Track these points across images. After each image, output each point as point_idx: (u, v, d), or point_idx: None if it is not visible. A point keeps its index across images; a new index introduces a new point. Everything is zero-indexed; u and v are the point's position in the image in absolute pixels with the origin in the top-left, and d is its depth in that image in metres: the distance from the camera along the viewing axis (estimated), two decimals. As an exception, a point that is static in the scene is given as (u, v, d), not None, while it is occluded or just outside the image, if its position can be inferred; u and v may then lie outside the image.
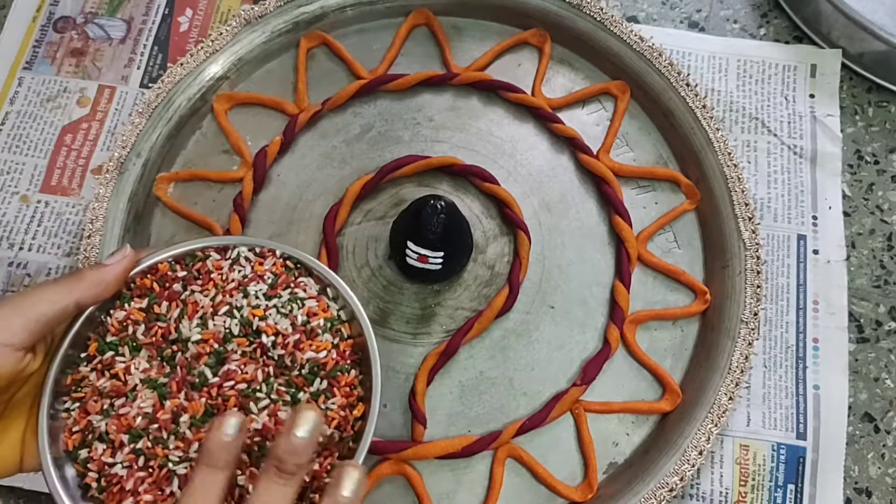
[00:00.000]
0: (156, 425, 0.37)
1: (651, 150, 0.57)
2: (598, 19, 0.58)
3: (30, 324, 0.35)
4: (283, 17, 0.59)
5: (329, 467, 0.38)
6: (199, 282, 0.40)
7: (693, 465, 0.48)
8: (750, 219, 0.53)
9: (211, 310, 0.39)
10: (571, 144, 0.57)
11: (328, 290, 0.42)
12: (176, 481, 0.36)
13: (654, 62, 0.57)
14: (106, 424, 0.37)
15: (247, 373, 0.38)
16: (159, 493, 0.36)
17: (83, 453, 0.37)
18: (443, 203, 0.48)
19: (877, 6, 0.58)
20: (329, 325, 0.40)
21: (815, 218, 0.56)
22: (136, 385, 0.38)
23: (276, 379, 0.38)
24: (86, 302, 0.38)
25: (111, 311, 0.40)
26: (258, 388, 0.38)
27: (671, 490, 0.48)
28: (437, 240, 0.49)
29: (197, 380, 0.38)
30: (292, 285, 0.41)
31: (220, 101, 0.57)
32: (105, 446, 0.37)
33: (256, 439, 0.36)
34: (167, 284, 0.40)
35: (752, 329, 0.51)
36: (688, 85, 0.56)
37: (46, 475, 0.37)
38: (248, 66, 0.59)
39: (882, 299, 0.55)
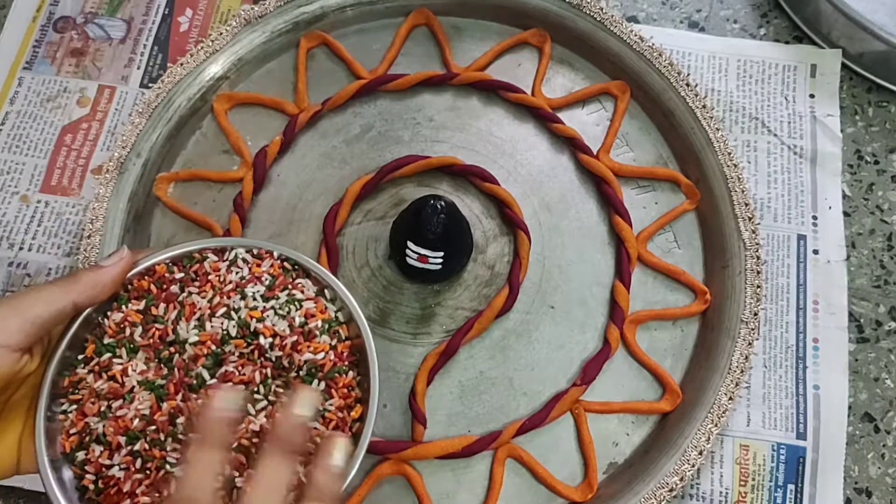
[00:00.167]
0: (153, 427, 0.37)
1: (651, 150, 0.57)
2: (598, 19, 0.58)
3: (27, 325, 0.35)
4: (283, 17, 0.59)
5: None
6: (197, 283, 0.40)
7: (693, 465, 0.48)
8: (750, 219, 0.53)
9: (208, 311, 0.39)
10: (571, 144, 0.57)
11: (326, 291, 0.42)
12: (173, 483, 0.36)
13: (654, 62, 0.57)
14: (103, 426, 0.37)
15: (244, 374, 0.38)
16: (157, 495, 0.36)
17: (80, 455, 0.37)
18: (443, 203, 0.48)
19: (877, 6, 0.58)
20: (327, 326, 0.40)
21: (815, 218, 0.56)
22: (133, 387, 0.38)
23: (274, 380, 0.38)
24: (83, 303, 0.38)
25: (108, 313, 0.40)
26: (256, 389, 0.38)
27: (671, 490, 0.48)
28: (437, 240, 0.49)
29: (194, 381, 0.38)
30: (290, 287, 0.41)
31: (220, 101, 0.57)
32: (102, 448, 0.37)
33: (255, 440, 0.36)
34: (164, 286, 0.40)
35: (752, 329, 0.51)
36: (688, 85, 0.56)
37: (44, 477, 0.37)
38: (248, 66, 0.59)
39: (882, 299, 0.55)
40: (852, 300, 0.55)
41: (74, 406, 0.38)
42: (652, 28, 0.62)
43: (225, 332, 0.39)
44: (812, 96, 0.60)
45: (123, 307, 0.40)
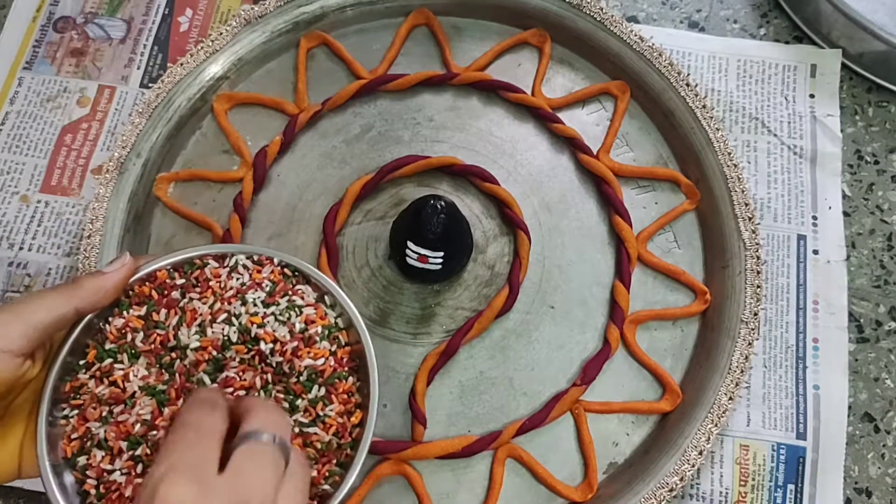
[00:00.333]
0: (155, 432, 0.37)
1: (651, 150, 0.57)
2: (598, 19, 0.58)
3: (29, 330, 0.35)
4: (283, 17, 0.59)
5: (327, 473, 0.38)
6: (198, 289, 0.40)
7: (693, 465, 0.48)
8: (750, 219, 0.53)
9: (209, 317, 0.39)
10: (571, 144, 0.57)
11: (326, 297, 0.42)
12: None
13: (654, 62, 0.57)
14: (105, 431, 0.37)
15: (245, 380, 0.38)
16: None
17: (82, 460, 0.37)
18: (443, 203, 0.48)
19: (877, 6, 0.58)
20: (327, 332, 0.40)
21: (815, 218, 0.56)
22: (134, 392, 0.38)
23: (275, 386, 0.39)
24: (85, 309, 0.38)
25: (110, 319, 0.40)
26: (257, 394, 0.38)
27: (671, 490, 0.48)
28: (437, 240, 0.49)
29: (196, 387, 0.38)
30: (290, 293, 0.41)
31: (220, 101, 0.57)
32: (104, 453, 0.37)
33: None
34: (166, 292, 0.40)
35: (752, 329, 0.51)
36: (688, 85, 0.56)
37: (45, 482, 0.37)
38: (248, 66, 0.59)
39: (882, 299, 0.55)
40: (852, 300, 0.55)
41: (76, 411, 0.38)
42: (652, 28, 0.62)
43: (226, 338, 0.39)
44: (812, 96, 0.60)
45: (125, 313, 0.40)
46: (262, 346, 0.39)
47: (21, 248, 0.55)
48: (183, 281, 0.41)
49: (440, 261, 0.50)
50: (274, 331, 0.39)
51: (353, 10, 0.60)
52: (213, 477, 0.30)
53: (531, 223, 0.55)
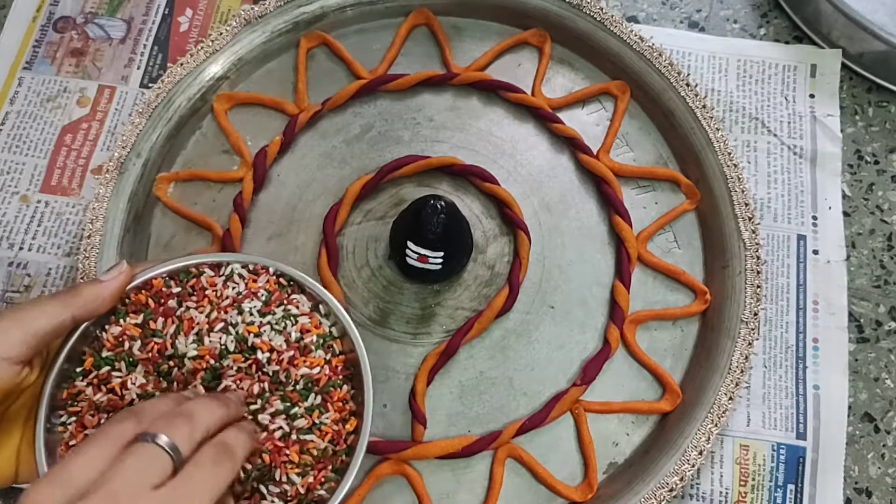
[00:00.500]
0: None
1: (651, 150, 0.57)
2: (598, 19, 0.58)
3: (27, 337, 0.35)
4: (283, 17, 0.59)
5: (323, 479, 0.38)
6: (194, 298, 0.41)
7: (693, 465, 0.48)
8: (750, 219, 0.53)
9: (206, 326, 0.39)
10: (571, 144, 0.57)
11: (320, 306, 0.42)
12: None
13: (654, 62, 0.57)
14: None
15: (242, 388, 0.38)
16: None
17: None
18: (443, 203, 0.48)
19: (877, 6, 0.58)
20: (321, 341, 0.41)
21: (815, 218, 0.56)
22: (132, 400, 0.38)
23: (272, 394, 0.39)
24: (82, 317, 0.38)
25: (106, 327, 0.40)
26: (255, 402, 0.38)
27: (671, 490, 0.48)
28: (437, 240, 0.49)
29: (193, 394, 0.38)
30: (285, 302, 0.41)
31: (220, 101, 0.57)
32: None
33: (251, 456, 0.37)
34: (162, 300, 0.40)
35: (752, 329, 0.51)
36: (688, 85, 0.56)
37: None
38: (248, 66, 0.59)
39: (882, 299, 0.55)
40: (852, 300, 0.55)
41: (73, 418, 0.38)
42: (652, 28, 0.62)
43: (223, 347, 0.39)
44: (812, 96, 0.60)
45: (121, 321, 0.40)
46: (259, 354, 0.39)
47: (21, 248, 0.55)
48: (179, 289, 0.41)
49: (440, 261, 0.50)
50: (270, 340, 0.39)
51: (353, 10, 0.60)
52: (79, 480, 0.30)
53: (531, 223, 0.55)
